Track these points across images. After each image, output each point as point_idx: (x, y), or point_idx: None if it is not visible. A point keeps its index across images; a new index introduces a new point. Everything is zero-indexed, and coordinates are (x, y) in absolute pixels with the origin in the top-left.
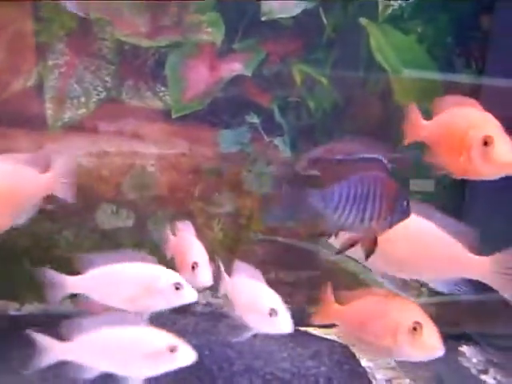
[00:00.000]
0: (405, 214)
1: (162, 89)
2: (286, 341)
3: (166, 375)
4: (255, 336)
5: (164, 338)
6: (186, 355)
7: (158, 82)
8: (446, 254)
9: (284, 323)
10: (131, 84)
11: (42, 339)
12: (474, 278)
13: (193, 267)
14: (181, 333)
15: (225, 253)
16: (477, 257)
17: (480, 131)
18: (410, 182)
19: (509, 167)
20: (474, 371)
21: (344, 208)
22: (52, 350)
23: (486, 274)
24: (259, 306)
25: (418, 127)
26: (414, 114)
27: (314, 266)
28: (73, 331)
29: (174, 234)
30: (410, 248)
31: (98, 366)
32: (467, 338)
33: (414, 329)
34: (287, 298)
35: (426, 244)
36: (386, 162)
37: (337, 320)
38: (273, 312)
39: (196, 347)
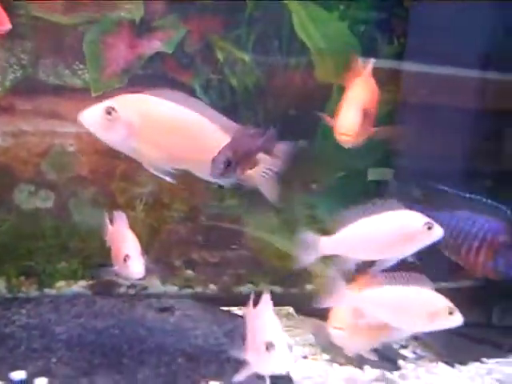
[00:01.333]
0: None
1: (81, 66)
2: (202, 319)
3: (74, 353)
4: (172, 314)
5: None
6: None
7: (76, 59)
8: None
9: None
10: (49, 62)
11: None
12: None
13: (125, 259)
14: (96, 313)
15: (147, 232)
16: None
17: None
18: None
19: None
20: (395, 346)
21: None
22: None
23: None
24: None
25: None
26: None
27: (238, 245)
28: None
29: (112, 224)
30: None
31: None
32: None
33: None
34: (212, 278)
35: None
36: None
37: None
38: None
39: (108, 327)
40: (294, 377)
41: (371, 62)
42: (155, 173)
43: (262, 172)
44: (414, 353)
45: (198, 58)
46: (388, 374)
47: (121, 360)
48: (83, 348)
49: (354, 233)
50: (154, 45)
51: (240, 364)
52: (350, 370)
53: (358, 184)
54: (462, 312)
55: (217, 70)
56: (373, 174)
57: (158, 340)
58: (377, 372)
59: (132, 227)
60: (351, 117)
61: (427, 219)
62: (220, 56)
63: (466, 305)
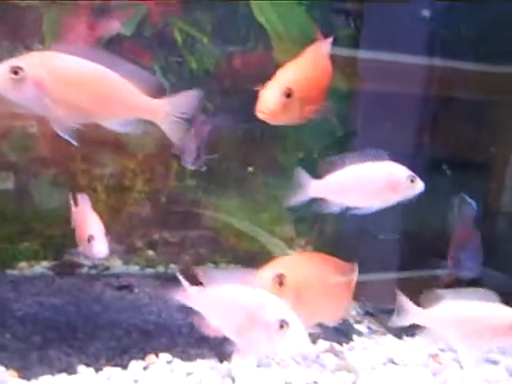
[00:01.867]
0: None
1: (40, 47)
2: (159, 296)
3: (28, 328)
4: (131, 292)
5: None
6: None
7: (35, 41)
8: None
9: None
10: (7, 44)
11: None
12: (148, 118)
13: (89, 240)
14: (54, 292)
15: (109, 214)
16: (151, 99)
17: None
18: None
19: None
20: (351, 321)
21: None
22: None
23: (158, 116)
24: None
25: None
26: None
27: (198, 225)
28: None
29: (76, 205)
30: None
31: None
32: None
33: None
34: (173, 258)
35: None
36: None
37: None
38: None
39: (64, 304)
40: None
41: (327, 43)
42: (61, 134)
43: (169, 117)
44: (369, 328)
45: (156, 40)
46: (337, 346)
47: (74, 335)
48: (38, 324)
49: (343, 178)
50: (113, 26)
51: (191, 338)
52: None
53: (317, 164)
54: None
55: (176, 52)
56: None
57: (113, 316)
58: (326, 345)
59: (94, 208)
60: (270, 95)
61: (411, 173)
62: (179, 38)
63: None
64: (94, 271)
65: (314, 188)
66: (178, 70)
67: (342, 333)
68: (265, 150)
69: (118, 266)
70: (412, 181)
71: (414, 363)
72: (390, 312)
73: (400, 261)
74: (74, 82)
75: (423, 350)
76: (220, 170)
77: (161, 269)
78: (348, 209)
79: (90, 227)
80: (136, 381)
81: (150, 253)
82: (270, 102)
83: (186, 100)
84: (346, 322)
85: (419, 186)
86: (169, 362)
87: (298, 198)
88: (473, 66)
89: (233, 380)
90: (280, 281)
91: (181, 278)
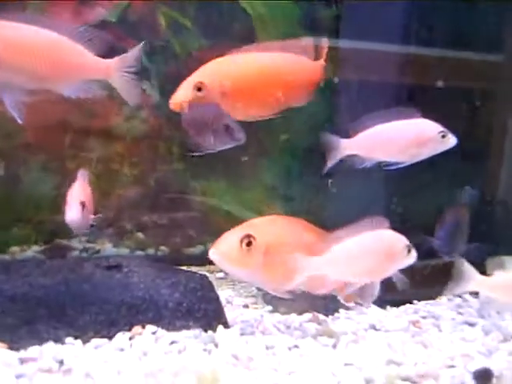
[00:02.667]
0: None
1: None
2: (147, 274)
3: (18, 305)
4: (120, 271)
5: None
6: None
7: None
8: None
9: None
10: None
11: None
12: (99, 78)
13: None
14: (45, 272)
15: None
16: (102, 59)
17: None
18: None
19: None
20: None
21: None
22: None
23: (111, 75)
24: None
25: None
26: None
27: (186, 207)
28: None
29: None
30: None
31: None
32: None
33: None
34: (162, 240)
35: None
36: None
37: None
38: None
39: (54, 284)
40: (230, 320)
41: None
42: (9, 108)
43: (120, 74)
44: (356, 303)
45: (141, 25)
46: (320, 316)
47: (63, 311)
48: (27, 301)
49: (373, 135)
50: (98, 12)
51: (177, 311)
52: (287, 316)
53: (300, 146)
54: None
55: (160, 36)
56: None
57: (102, 293)
58: (310, 315)
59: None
60: (182, 88)
61: (442, 128)
62: (163, 22)
63: None
64: (84, 254)
65: (344, 146)
66: (162, 54)
67: (328, 308)
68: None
69: (108, 248)
70: (443, 136)
71: (394, 329)
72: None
73: None
74: (21, 48)
75: (405, 318)
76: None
77: (151, 251)
78: (380, 164)
79: (70, 195)
80: (121, 349)
81: (140, 235)
82: (179, 95)
83: (133, 55)
84: (334, 298)
85: (451, 140)
86: (153, 333)
87: (332, 158)
88: None
89: (216, 345)
90: (248, 241)
91: None
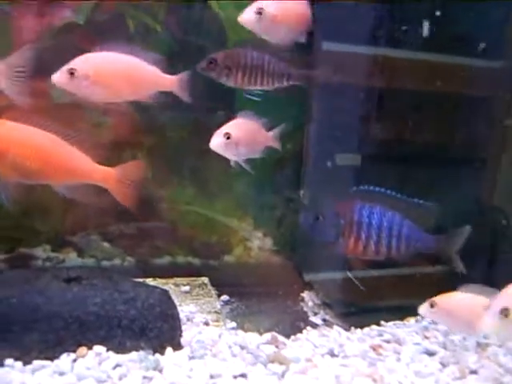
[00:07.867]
0: None
1: None
2: (106, 288)
3: None
4: (79, 283)
5: None
6: None
7: None
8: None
9: None
10: None
11: None
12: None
13: None
14: None
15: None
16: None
17: None
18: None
19: None
20: (310, 314)
21: None
22: None
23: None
24: None
25: None
26: None
27: (155, 217)
28: None
29: None
30: None
31: None
32: (310, 286)
33: None
34: (129, 250)
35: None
36: None
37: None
38: None
39: (7, 297)
40: (184, 341)
41: None
42: None
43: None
44: (323, 320)
45: (109, 28)
46: (281, 337)
47: (9, 327)
48: None
49: None
50: (65, 14)
51: (129, 330)
52: (247, 335)
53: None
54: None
55: (128, 39)
56: (342, 160)
57: (55, 308)
58: (269, 336)
59: (48, 200)
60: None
61: None
62: (131, 25)
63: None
64: (48, 264)
65: None
66: None
67: (296, 326)
68: None
69: (73, 258)
70: None
71: (353, 355)
72: (348, 304)
73: None
74: None
75: (368, 342)
76: (175, 160)
77: (117, 261)
78: None
79: None
80: (61, 373)
81: (106, 245)
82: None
83: (20, 57)
84: (303, 315)
85: None
86: (98, 355)
87: None
88: None
89: (160, 371)
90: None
91: None
